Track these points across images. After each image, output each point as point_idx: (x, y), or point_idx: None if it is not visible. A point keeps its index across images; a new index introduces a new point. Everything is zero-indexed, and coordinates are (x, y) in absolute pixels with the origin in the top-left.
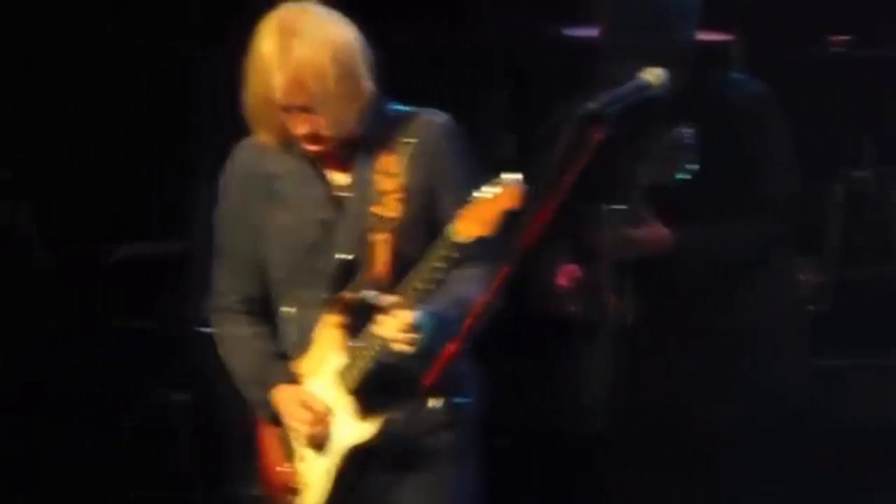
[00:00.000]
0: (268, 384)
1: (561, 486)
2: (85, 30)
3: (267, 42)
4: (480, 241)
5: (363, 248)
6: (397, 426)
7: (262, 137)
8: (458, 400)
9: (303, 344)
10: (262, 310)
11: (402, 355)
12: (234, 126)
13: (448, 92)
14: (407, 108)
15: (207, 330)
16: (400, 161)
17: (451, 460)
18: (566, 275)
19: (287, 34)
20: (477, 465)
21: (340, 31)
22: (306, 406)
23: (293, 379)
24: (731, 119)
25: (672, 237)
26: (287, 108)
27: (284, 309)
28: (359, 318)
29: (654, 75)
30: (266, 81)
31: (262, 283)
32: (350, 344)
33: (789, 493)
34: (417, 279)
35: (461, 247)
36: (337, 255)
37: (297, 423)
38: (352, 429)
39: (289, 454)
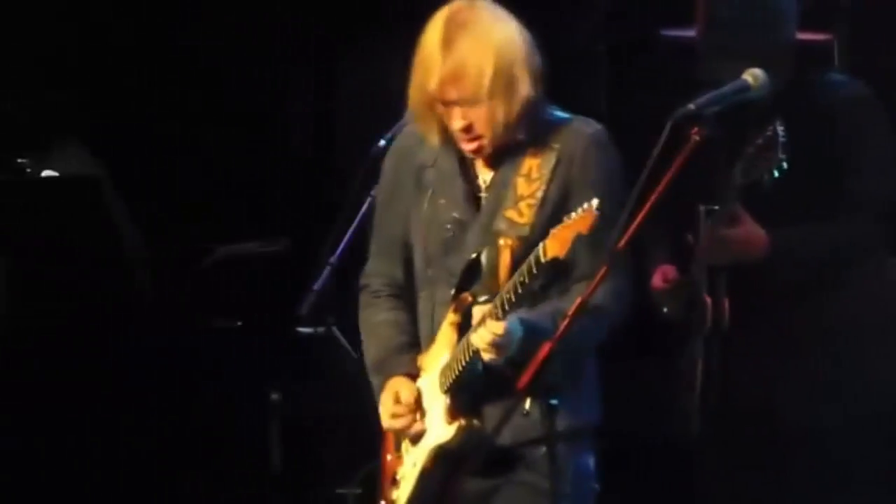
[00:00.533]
0: (385, 374)
1: (656, 489)
2: (197, 29)
3: (432, 34)
4: (555, 263)
5: (491, 249)
6: (481, 433)
7: (422, 129)
8: (552, 402)
9: (431, 338)
10: (407, 295)
11: (490, 363)
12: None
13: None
14: (565, 115)
15: (306, 330)
16: (543, 167)
17: (549, 473)
18: (662, 275)
19: (452, 28)
20: (582, 478)
21: (507, 33)
22: (396, 398)
23: (414, 371)
24: (829, 120)
25: (768, 239)
26: (444, 102)
27: (420, 302)
28: (470, 320)
29: (753, 76)
30: (427, 72)
31: (406, 268)
32: (456, 345)
33: (886, 494)
34: (506, 290)
35: (542, 265)
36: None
37: (382, 412)
38: (439, 429)
39: (398, 444)
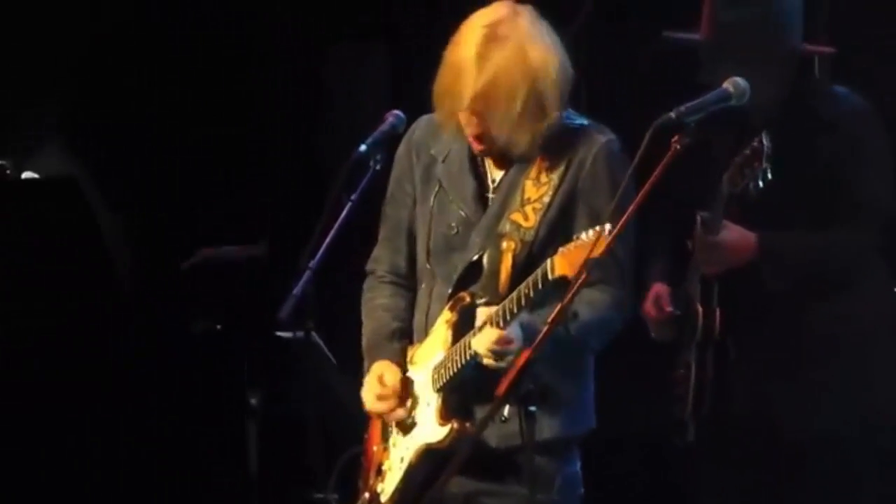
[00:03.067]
0: (372, 358)
1: (652, 495)
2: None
3: (469, 40)
4: (561, 282)
5: (494, 251)
6: (469, 435)
7: (440, 119)
8: (531, 409)
9: (424, 332)
10: (408, 283)
11: (491, 367)
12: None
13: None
14: (581, 121)
15: (285, 334)
16: (552, 172)
17: (534, 480)
18: (654, 299)
19: (491, 41)
20: (570, 487)
21: (544, 55)
22: (381, 381)
23: (400, 360)
24: (830, 132)
25: (756, 241)
26: (470, 111)
27: (419, 294)
28: (468, 321)
29: (734, 85)
30: (459, 81)
31: (409, 258)
32: (451, 345)
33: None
34: (509, 301)
35: (548, 282)
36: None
37: (366, 395)
38: (429, 427)
39: (385, 435)
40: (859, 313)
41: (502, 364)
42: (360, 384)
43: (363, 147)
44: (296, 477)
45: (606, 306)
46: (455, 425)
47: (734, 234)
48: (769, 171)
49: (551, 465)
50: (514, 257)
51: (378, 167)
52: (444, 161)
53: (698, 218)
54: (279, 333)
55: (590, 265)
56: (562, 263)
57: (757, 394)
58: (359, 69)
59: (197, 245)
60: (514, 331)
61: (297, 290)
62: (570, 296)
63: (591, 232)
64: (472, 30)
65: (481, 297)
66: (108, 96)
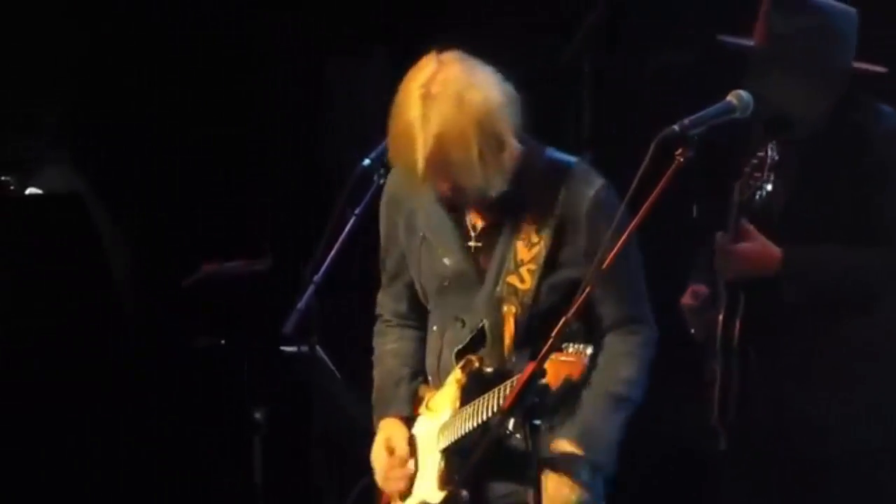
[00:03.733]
0: (380, 412)
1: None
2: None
3: (409, 112)
4: (544, 390)
5: (495, 317)
6: (465, 501)
7: (409, 187)
8: (535, 423)
9: (437, 374)
10: (415, 324)
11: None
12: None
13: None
14: (563, 160)
15: (289, 349)
16: (542, 231)
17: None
18: (693, 293)
19: (428, 104)
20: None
21: (483, 94)
22: (389, 448)
23: (407, 411)
24: (867, 150)
25: (780, 256)
26: (432, 177)
27: (430, 334)
28: (475, 386)
29: (737, 97)
30: (410, 152)
31: (411, 301)
32: (458, 406)
33: None
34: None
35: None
36: (474, 322)
37: (376, 468)
38: (430, 488)
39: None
40: (886, 328)
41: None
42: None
43: (367, 161)
44: (301, 492)
45: (643, 350)
46: (447, 489)
47: (755, 245)
48: (771, 183)
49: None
50: (515, 321)
51: (382, 181)
52: (420, 212)
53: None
54: (283, 348)
55: (596, 276)
56: (549, 372)
57: (779, 403)
58: (360, 82)
59: (200, 260)
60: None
61: (301, 305)
62: (574, 309)
63: (572, 350)
64: (409, 94)
65: (488, 367)
66: (111, 111)
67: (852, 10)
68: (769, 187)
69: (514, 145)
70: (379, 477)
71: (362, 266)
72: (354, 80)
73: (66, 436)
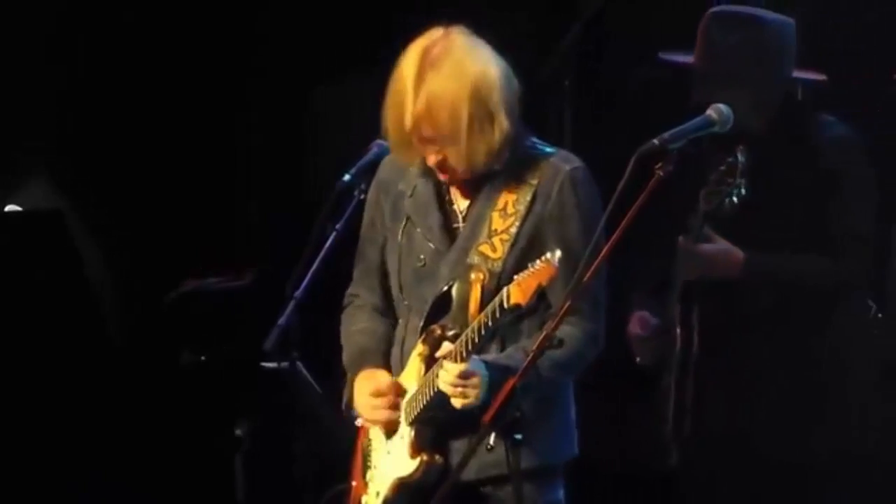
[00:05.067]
0: (360, 366)
1: None
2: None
3: (406, 67)
4: (517, 310)
5: (463, 283)
6: (442, 469)
7: (401, 159)
8: (516, 437)
9: (401, 365)
10: (388, 314)
11: (464, 408)
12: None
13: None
14: (545, 147)
15: (270, 365)
16: (519, 203)
17: None
18: (640, 322)
19: (426, 64)
20: None
21: (482, 66)
22: (375, 379)
23: (389, 369)
24: (816, 158)
25: (744, 258)
26: (419, 138)
27: (397, 329)
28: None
29: (717, 111)
30: (401, 109)
31: (386, 295)
32: (423, 376)
33: None
34: (470, 330)
35: (505, 310)
36: (437, 289)
37: (360, 405)
38: (402, 461)
39: (364, 470)
40: (839, 336)
41: (468, 402)
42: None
43: (347, 176)
44: None
45: (577, 341)
46: (425, 457)
47: (719, 246)
48: (744, 188)
49: (534, 493)
50: (482, 288)
51: (362, 196)
52: (411, 196)
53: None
54: (264, 364)
55: (576, 292)
56: (516, 292)
57: (734, 416)
58: (346, 97)
59: (182, 277)
60: (475, 365)
61: (282, 321)
62: (555, 324)
63: (539, 261)
64: (408, 58)
65: (451, 329)
66: (94, 128)
67: (790, 20)
68: (744, 192)
69: (504, 123)
70: (363, 407)
71: (344, 281)
72: (340, 100)
73: (46, 453)
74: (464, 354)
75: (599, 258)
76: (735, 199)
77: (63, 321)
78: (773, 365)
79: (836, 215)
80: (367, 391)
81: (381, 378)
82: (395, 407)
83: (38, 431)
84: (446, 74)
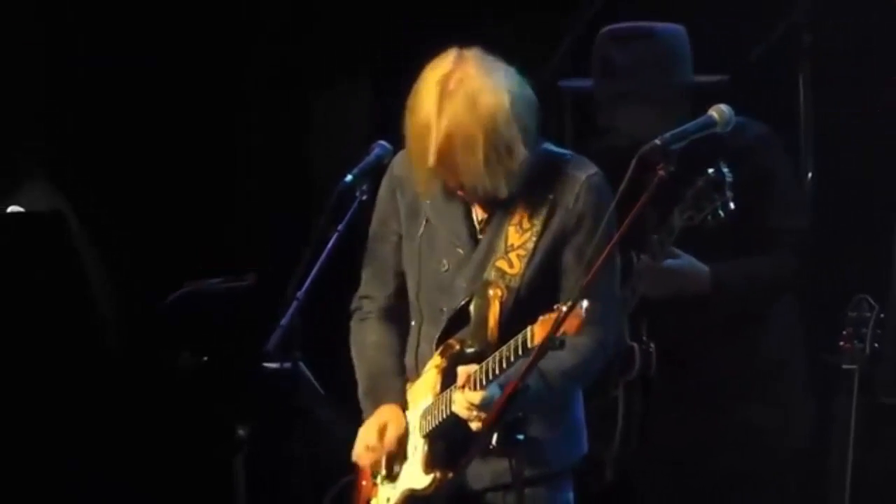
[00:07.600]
0: (376, 400)
1: None
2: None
3: (426, 97)
4: (540, 348)
5: (481, 300)
6: (453, 483)
7: (419, 178)
8: (518, 437)
9: (415, 371)
10: (398, 318)
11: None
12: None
13: None
14: (559, 153)
15: (272, 366)
16: (535, 217)
17: None
18: None
19: (444, 95)
20: None
21: (493, 97)
22: (380, 433)
23: (403, 401)
24: (738, 161)
25: (710, 273)
26: (439, 169)
27: (410, 331)
28: (456, 369)
29: (718, 112)
30: (422, 137)
31: (398, 293)
32: (439, 391)
33: None
34: (492, 359)
35: (527, 349)
36: (453, 305)
37: (358, 441)
38: (416, 473)
39: (375, 472)
40: (769, 346)
41: (480, 425)
42: (353, 418)
43: (349, 177)
44: None
45: (585, 347)
46: (438, 475)
47: (684, 262)
48: (732, 200)
49: (544, 496)
50: (501, 304)
51: (364, 197)
52: (430, 199)
53: (649, 242)
54: (266, 365)
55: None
56: (540, 332)
57: (685, 429)
58: (347, 100)
59: (182, 277)
60: (492, 390)
61: (283, 321)
62: (558, 325)
63: (566, 308)
64: (427, 87)
65: (471, 346)
66: (93, 129)
67: (680, 27)
68: (732, 206)
69: (522, 152)
70: (358, 446)
71: (345, 282)
72: (341, 100)
73: (47, 454)
74: (483, 383)
75: (600, 258)
76: (722, 213)
77: (63, 322)
78: (725, 375)
79: (774, 211)
80: (373, 432)
81: (391, 430)
82: (388, 455)
83: (38, 432)
84: (461, 112)
